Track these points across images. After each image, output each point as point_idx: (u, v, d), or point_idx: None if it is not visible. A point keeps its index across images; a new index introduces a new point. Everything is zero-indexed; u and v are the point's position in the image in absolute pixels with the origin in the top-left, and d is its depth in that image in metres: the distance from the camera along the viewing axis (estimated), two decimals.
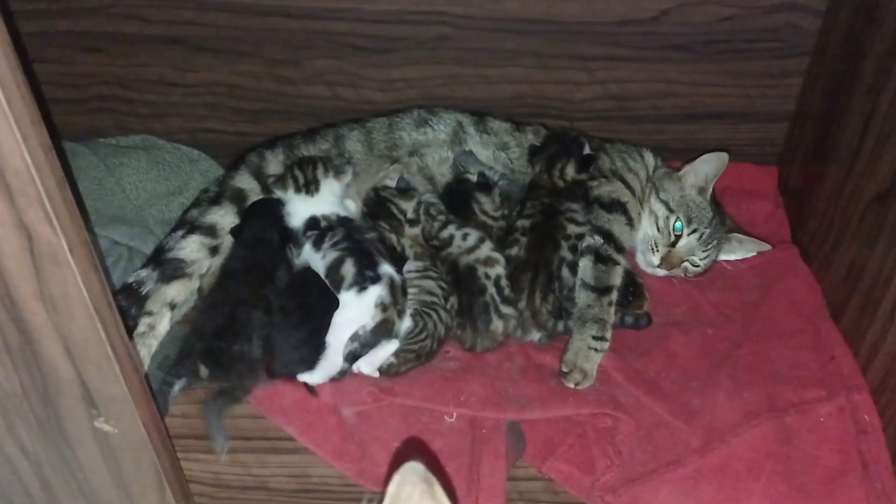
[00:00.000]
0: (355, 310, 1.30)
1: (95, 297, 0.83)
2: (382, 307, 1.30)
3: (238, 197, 1.51)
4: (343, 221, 1.42)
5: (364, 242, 1.37)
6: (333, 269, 1.34)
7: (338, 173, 1.45)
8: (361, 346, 1.29)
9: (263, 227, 1.40)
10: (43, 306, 0.82)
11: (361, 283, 1.31)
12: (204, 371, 1.28)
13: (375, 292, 1.31)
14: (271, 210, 1.44)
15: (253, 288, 1.33)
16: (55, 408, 0.94)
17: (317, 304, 1.31)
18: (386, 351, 1.32)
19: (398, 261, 1.41)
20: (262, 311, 1.30)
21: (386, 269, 1.35)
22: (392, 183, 1.54)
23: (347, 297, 1.31)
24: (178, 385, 1.28)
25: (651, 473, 1.21)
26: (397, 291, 1.33)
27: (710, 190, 1.53)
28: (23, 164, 0.71)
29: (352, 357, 1.29)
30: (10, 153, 0.70)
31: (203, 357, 1.27)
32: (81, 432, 0.97)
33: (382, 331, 1.30)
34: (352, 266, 1.33)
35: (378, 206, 1.47)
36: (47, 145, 0.73)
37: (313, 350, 1.29)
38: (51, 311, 0.83)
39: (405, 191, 1.50)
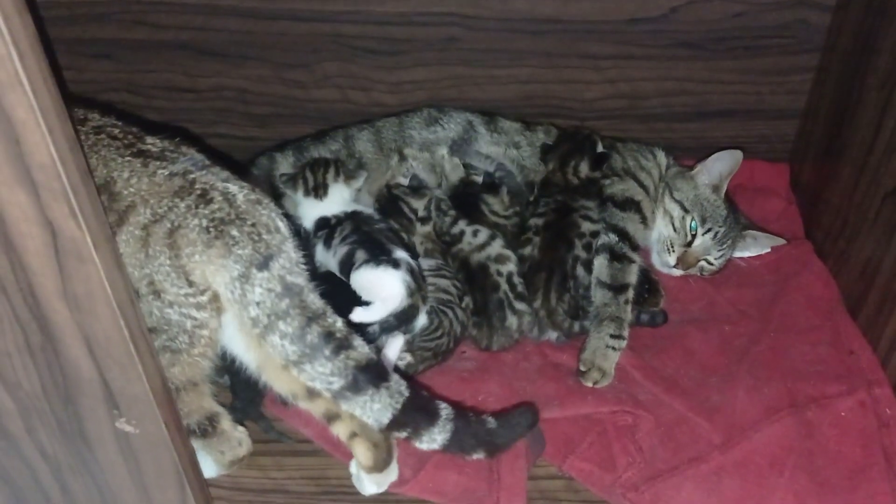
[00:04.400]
0: (375, 278, 1.29)
1: (119, 294, 0.82)
2: (409, 290, 1.29)
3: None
4: (351, 215, 1.40)
5: (373, 233, 1.36)
6: (345, 262, 1.33)
7: (349, 178, 1.44)
8: (381, 328, 1.27)
9: None
10: (66, 304, 0.82)
11: (377, 262, 1.30)
12: (226, 380, 1.27)
13: (399, 274, 1.29)
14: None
15: None
16: (76, 408, 0.93)
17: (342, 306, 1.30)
18: (396, 346, 1.29)
19: (413, 256, 1.39)
20: None
21: (401, 254, 1.33)
22: (405, 180, 1.53)
23: (364, 272, 1.29)
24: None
25: (673, 470, 1.20)
26: (418, 277, 1.32)
27: (725, 188, 1.52)
28: (49, 159, 0.70)
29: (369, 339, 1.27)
30: (37, 147, 0.69)
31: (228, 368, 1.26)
32: (102, 433, 0.96)
33: (407, 316, 1.29)
34: (363, 255, 1.31)
35: (389, 204, 1.47)
36: (72, 139, 0.73)
37: None
38: (74, 309, 0.82)
39: (417, 189, 1.50)
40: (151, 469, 1.01)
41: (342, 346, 1.00)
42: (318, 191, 1.42)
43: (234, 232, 0.98)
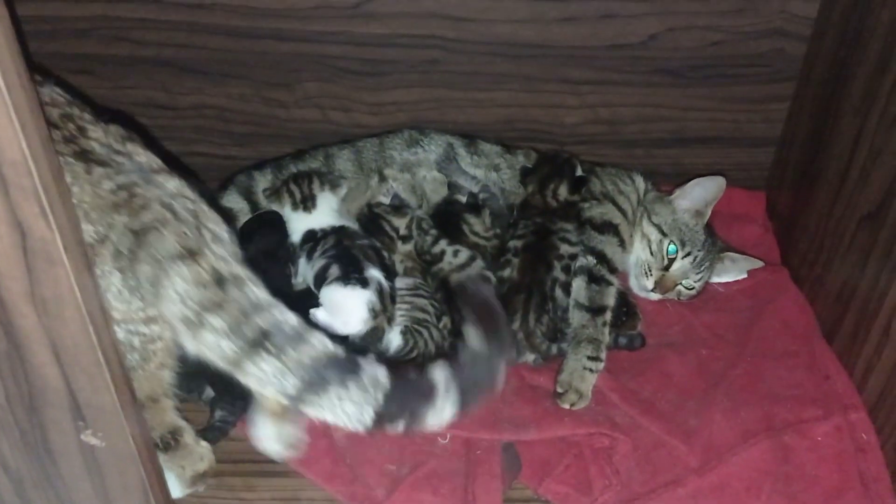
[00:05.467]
0: (341, 298, 1.27)
1: (88, 299, 0.80)
2: (373, 314, 1.28)
3: (227, 218, 1.49)
4: (337, 230, 1.40)
5: (352, 248, 1.35)
6: (319, 276, 1.32)
7: (333, 186, 1.44)
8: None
9: (277, 241, 1.38)
10: (34, 309, 0.80)
11: (346, 280, 1.28)
12: (208, 394, 1.26)
13: (365, 296, 1.27)
14: (282, 223, 1.42)
15: None
16: (40, 419, 0.90)
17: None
18: None
19: (389, 276, 1.38)
20: None
21: (373, 273, 1.32)
22: (386, 200, 1.52)
23: (332, 289, 1.28)
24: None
25: (650, 493, 1.19)
26: (386, 298, 1.31)
27: (709, 214, 1.53)
28: (20, 155, 0.69)
29: None
30: (8, 143, 0.68)
31: (213, 382, 1.24)
32: (67, 446, 0.93)
33: (372, 339, 1.28)
34: (336, 270, 1.30)
35: (370, 222, 1.46)
36: (45, 137, 0.71)
37: None
38: (42, 313, 0.80)
39: (399, 208, 1.50)
40: (117, 485, 0.98)
41: (293, 340, 0.90)
42: (307, 203, 1.41)
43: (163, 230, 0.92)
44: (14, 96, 0.67)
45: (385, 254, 1.41)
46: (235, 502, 1.20)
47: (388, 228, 1.45)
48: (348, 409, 0.90)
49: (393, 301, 1.33)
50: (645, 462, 1.24)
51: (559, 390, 1.32)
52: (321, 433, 1.26)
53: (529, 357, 1.40)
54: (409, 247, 1.46)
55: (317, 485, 1.21)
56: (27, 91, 0.68)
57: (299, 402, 0.91)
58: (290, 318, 0.92)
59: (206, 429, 1.24)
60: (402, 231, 1.46)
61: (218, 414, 1.26)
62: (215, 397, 1.26)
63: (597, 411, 1.31)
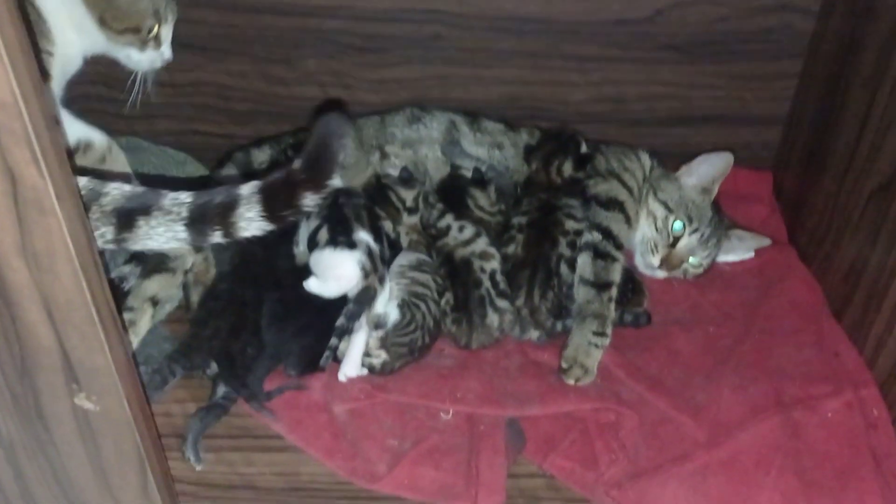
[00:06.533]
0: (331, 260, 1.28)
1: (82, 252, 0.78)
2: (364, 272, 1.27)
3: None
4: (335, 191, 1.38)
5: (344, 208, 1.34)
6: (311, 238, 1.32)
7: None
8: (347, 318, 1.25)
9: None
10: (25, 262, 0.77)
11: (334, 244, 1.30)
12: (212, 369, 1.23)
13: (355, 256, 1.28)
14: None
15: (262, 288, 1.30)
16: (33, 382, 0.88)
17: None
18: (360, 342, 1.27)
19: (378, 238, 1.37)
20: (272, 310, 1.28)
21: (362, 236, 1.31)
22: (394, 172, 1.51)
23: (322, 253, 1.30)
24: (178, 374, 1.24)
25: (657, 468, 1.17)
26: (376, 259, 1.30)
27: (716, 191, 1.51)
28: (10, 97, 0.66)
29: (339, 332, 1.25)
30: None
31: (217, 354, 1.23)
32: (60, 411, 0.91)
33: (365, 298, 1.27)
34: (325, 234, 1.31)
35: (378, 192, 1.44)
36: (37, 79, 0.69)
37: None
38: (33, 268, 0.78)
39: (407, 180, 1.48)
40: (111, 452, 0.95)
41: (93, 198, 0.95)
42: None
43: None
44: (5, 33, 0.64)
45: (389, 223, 1.40)
46: (234, 477, 1.17)
47: (394, 199, 1.44)
48: (161, 231, 0.96)
49: (384, 262, 1.32)
50: (652, 437, 1.21)
51: (564, 366, 1.29)
52: (321, 409, 1.24)
53: (534, 334, 1.37)
54: (414, 219, 1.44)
55: (317, 460, 1.19)
56: (17, 29, 0.66)
57: (121, 242, 0.96)
58: (84, 182, 0.97)
59: (208, 406, 1.22)
60: (409, 203, 1.44)
61: (221, 390, 1.24)
62: (219, 373, 1.24)
63: (602, 387, 1.28)
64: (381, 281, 1.30)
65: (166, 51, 1.44)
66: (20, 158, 0.70)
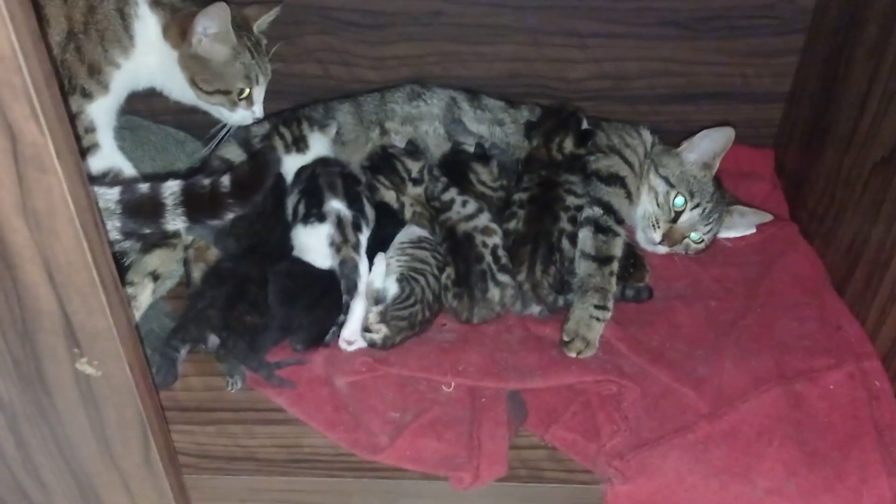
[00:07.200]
0: (305, 238, 1.33)
1: (82, 212, 0.77)
2: (335, 247, 1.30)
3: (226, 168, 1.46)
4: (318, 161, 1.41)
5: (318, 178, 1.36)
6: (294, 213, 1.36)
7: (322, 127, 1.43)
8: (346, 293, 1.27)
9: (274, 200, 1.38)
10: (25, 222, 0.77)
11: (306, 220, 1.33)
12: (213, 341, 1.23)
13: (323, 231, 1.31)
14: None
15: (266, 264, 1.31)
16: (34, 347, 0.87)
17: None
18: (359, 308, 1.28)
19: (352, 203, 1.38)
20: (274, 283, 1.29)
21: (332, 205, 1.33)
22: (400, 144, 1.51)
23: (297, 231, 1.34)
24: (184, 350, 1.23)
25: (659, 439, 1.17)
26: (346, 227, 1.32)
27: (717, 166, 1.50)
28: (9, 50, 0.66)
29: (347, 309, 1.26)
30: None
31: (214, 325, 1.23)
32: (61, 376, 0.91)
33: (345, 269, 1.30)
34: (302, 209, 1.34)
35: (383, 161, 1.45)
36: (36, 33, 0.68)
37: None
38: (34, 228, 0.77)
39: (413, 152, 1.48)
40: (113, 419, 0.95)
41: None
42: (300, 144, 1.41)
43: None
44: None
45: (393, 193, 1.42)
46: (237, 449, 1.17)
47: (400, 169, 1.44)
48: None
49: (357, 228, 1.34)
50: (654, 409, 1.21)
51: (566, 338, 1.29)
52: (323, 382, 1.24)
53: (535, 309, 1.37)
54: (419, 190, 1.45)
55: (319, 432, 1.18)
56: None
57: None
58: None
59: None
60: (415, 174, 1.45)
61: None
62: (221, 343, 1.24)
63: (604, 360, 1.28)
64: (356, 248, 1.32)
65: (258, 110, 1.46)
66: (19, 114, 0.70)
